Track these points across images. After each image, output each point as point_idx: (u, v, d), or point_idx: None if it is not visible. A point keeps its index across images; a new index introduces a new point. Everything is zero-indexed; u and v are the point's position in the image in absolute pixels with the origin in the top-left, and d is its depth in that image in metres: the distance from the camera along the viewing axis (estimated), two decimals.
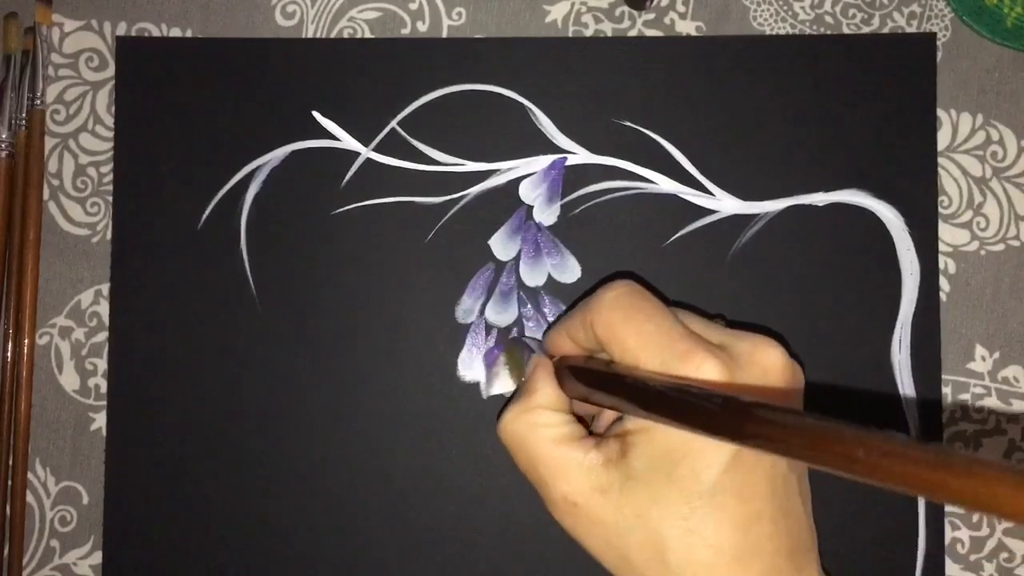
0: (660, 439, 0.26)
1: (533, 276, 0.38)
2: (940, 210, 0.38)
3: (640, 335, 0.27)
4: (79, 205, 0.39)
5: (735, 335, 0.27)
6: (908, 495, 0.17)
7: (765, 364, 0.26)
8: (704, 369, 0.25)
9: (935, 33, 0.39)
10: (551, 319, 0.38)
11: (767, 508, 0.25)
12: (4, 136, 0.38)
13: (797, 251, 0.38)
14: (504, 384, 0.37)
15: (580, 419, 0.30)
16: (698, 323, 0.28)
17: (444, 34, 0.39)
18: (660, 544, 0.25)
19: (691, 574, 0.25)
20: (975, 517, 0.38)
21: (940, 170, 0.38)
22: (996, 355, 0.38)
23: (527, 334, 0.38)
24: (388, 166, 0.38)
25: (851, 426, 0.19)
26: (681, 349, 0.26)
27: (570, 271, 0.38)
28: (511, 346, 0.37)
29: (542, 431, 0.28)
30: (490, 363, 0.37)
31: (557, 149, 0.38)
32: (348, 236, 0.38)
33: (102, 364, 0.38)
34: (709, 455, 0.25)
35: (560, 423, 0.28)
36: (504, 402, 0.37)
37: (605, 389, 0.27)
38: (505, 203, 0.38)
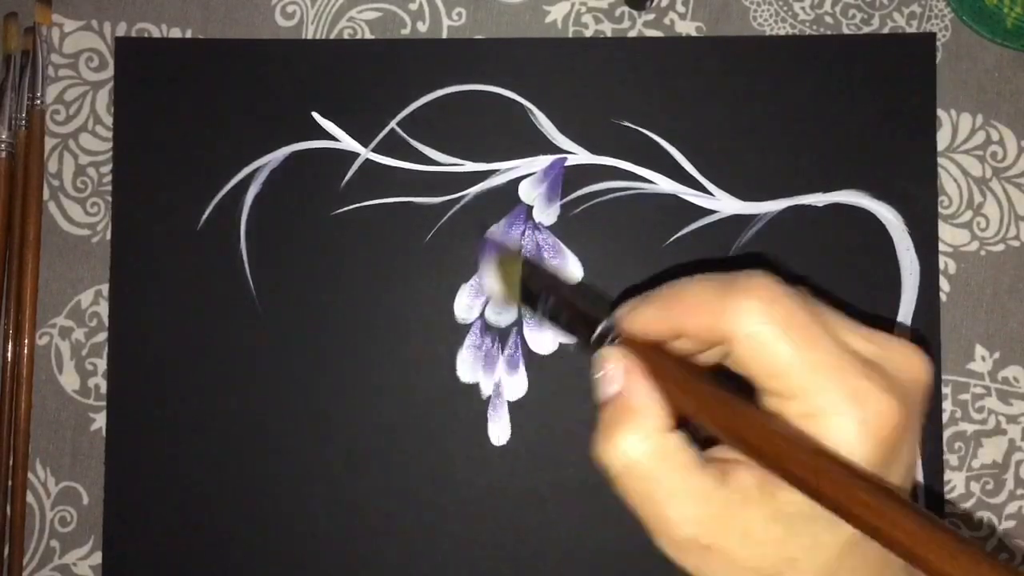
0: None
1: None
2: (940, 210, 0.38)
3: (809, 368, 0.22)
4: (79, 205, 0.39)
5: (882, 344, 0.24)
6: None
7: (915, 376, 0.23)
8: (881, 409, 0.22)
9: (935, 33, 0.39)
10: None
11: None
12: (4, 136, 0.38)
13: (797, 251, 0.38)
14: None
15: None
16: (850, 332, 0.24)
17: (444, 34, 0.39)
18: None
19: None
20: (975, 516, 0.38)
21: (940, 170, 0.38)
22: (996, 355, 0.38)
23: (526, 327, 0.38)
24: (387, 166, 0.38)
25: (954, 539, 0.18)
26: (854, 387, 0.22)
27: (570, 271, 0.38)
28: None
29: (668, 463, 0.23)
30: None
31: (557, 149, 0.38)
32: (348, 236, 0.38)
33: (102, 364, 0.38)
34: None
35: (678, 448, 0.23)
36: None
37: (724, 426, 0.22)
38: (505, 203, 0.38)
